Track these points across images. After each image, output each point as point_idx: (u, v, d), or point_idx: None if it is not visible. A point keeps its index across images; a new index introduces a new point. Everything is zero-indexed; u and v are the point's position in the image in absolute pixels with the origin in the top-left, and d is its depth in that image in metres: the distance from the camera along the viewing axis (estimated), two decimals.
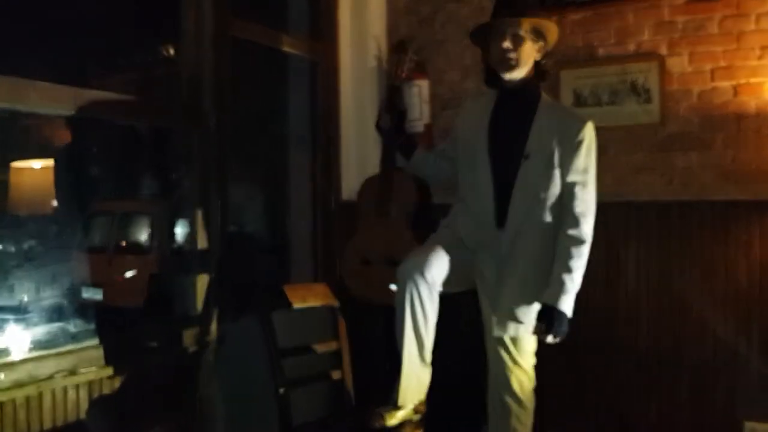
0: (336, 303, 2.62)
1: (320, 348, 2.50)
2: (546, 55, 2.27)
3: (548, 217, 2.23)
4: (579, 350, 3.13)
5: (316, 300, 2.53)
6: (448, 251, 2.27)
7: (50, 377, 2.11)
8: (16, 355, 2.14)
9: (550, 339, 2.20)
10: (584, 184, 2.22)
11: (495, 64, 2.24)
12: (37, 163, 3.05)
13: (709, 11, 2.92)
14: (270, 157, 3.80)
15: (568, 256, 2.19)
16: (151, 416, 2.35)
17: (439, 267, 2.23)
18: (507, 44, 2.17)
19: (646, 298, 3.04)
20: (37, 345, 2.33)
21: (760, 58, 2.85)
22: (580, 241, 2.21)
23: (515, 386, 2.35)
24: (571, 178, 2.21)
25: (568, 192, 2.22)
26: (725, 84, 2.91)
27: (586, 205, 2.23)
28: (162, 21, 3.01)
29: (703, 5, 2.93)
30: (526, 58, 2.21)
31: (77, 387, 2.18)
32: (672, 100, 3.00)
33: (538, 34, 2.23)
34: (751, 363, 2.83)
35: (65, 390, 2.14)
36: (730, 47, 2.90)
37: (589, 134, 2.23)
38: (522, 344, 2.34)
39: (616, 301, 3.09)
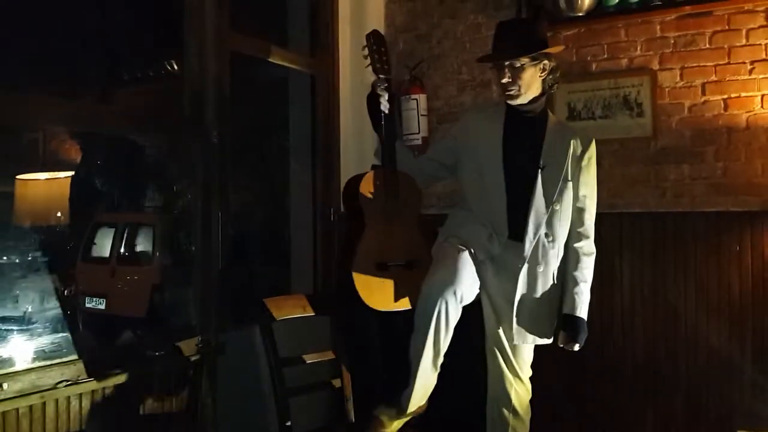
0: (312, 313, 2.58)
1: (319, 357, 2.53)
2: (552, 70, 2.33)
3: (562, 228, 2.32)
4: (574, 360, 3.17)
5: (295, 311, 2.52)
6: (470, 266, 2.29)
7: (54, 387, 2.15)
8: (20, 365, 2.17)
9: (576, 347, 2.33)
10: (592, 198, 2.37)
11: (500, 92, 2.36)
12: (42, 175, 3.10)
13: (700, 27, 2.98)
14: (270, 169, 3.85)
15: (583, 266, 2.33)
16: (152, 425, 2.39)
17: (467, 283, 2.25)
18: (506, 79, 2.26)
19: (640, 308, 3.08)
20: (41, 355, 2.36)
21: (750, 72, 2.91)
22: (591, 252, 2.37)
23: (514, 399, 2.41)
24: (582, 191, 2.34)
25: (578, 205, 2.35)
26: (716, 98, 2.96)
27: (593, 217, 2.38)
28: (164, 36, 3.07)
29: (693, 21, 2.99)
30: (528, 84, 2.28)
31: (80, 396, 2.21)
32: (664, 113, 3.05)
33: (539, 56, 2.28)
34: (745, 372, 2.86)
35: (68, 399, 2.18)
36: (720, 62, 2.96)
37: (594, 151, 2.38)
38: (524, 355, 2.41)
39: (611, 311, 3.13)
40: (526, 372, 2.45)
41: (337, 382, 2.52)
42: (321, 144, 3.50)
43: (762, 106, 2.89)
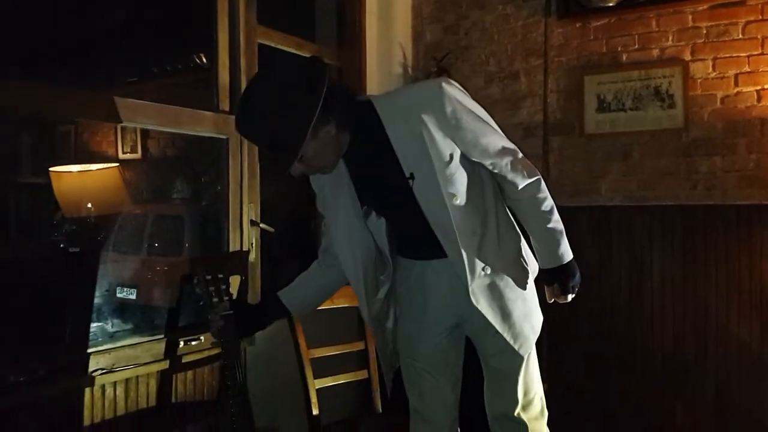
0: (341, 304, 2.56)
1: (347, 347, 2.55)
2: (341, 123, 1.69)
3: (479, 210, 1.81)
4: (603, 354, 3.16)
5: None
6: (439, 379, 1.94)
7: (89, 375, 2.20)
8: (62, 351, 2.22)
9: (570, 297, 1.88)
10: (487, 135, 1.76)
11: None
12: (74, 168, 3.16)
13: (733, 16, 2.94)
14: None
15: (535, 211, 1.84)
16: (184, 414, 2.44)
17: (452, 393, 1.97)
18: (301, 173, 1.73)
19: (670, 301, 3.06)
20: None
21: None
22: (535, 190, 1.83)
23: None
24: (473, 148, 1.75)
25: (485, 161, 1.78)
26: (749, 89, 2.92)
27: (508, 152, 1.79)
28: (194, 30, 3.09)
29: (726, 11, 2.95)
30: (329, 150, 1.71)
31: (114, 385, 2.26)
32: (696, 105, 3.01)
33: (319, 121, 1.61)
34: None
35: (103, 387, 2.23)
36: (754, 52, 2.91)
37: (448, 95, 1.69)
38: (533, 370, 1.95)
39: (640, 305, 3.12)
40: (537, 390, 1.97)
41: (364, 373, 2.54)
42: None
43: None
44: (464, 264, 1.75)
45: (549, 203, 1.85)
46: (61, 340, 2.42)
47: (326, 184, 1.88)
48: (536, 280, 1.92)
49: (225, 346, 2.06)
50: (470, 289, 1.77)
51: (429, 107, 1.70)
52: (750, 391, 2.88)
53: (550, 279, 1.88)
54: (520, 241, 1.91)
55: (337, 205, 1.86)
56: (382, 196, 1.83)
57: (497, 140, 1.79)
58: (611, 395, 3.16)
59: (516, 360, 1.89)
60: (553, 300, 1.91)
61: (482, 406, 2.00)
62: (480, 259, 1.79)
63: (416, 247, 1.87)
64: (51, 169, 2.98)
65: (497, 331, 1.83)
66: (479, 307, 1.79)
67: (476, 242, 1.79)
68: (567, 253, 1.86)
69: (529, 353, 1.92)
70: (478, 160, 1.78)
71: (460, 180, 1.75)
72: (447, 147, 1.72)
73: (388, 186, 1.78)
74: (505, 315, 1.83)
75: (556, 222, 1.85)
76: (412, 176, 1.72)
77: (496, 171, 1.81)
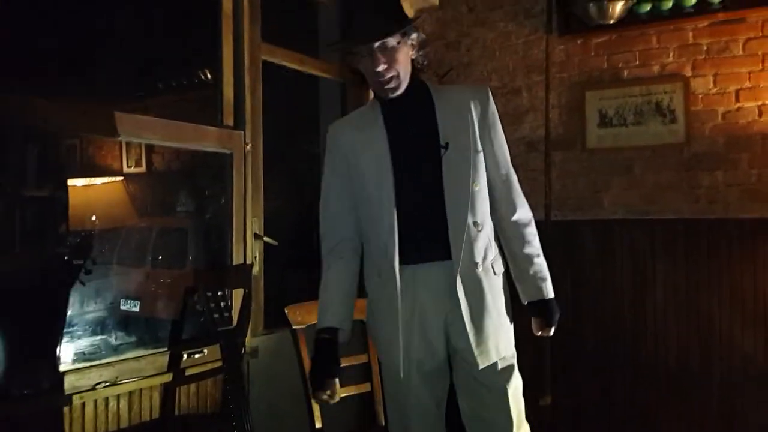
0: None
1: (351, 360, 2.55)
2: (421, 44, 1.82)
3: (486, 209, 1.84)
4: (607, 367, 3.16)
5: (312, 319, 2.50)
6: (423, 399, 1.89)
7: (92, 388, 2.20)
8: (61, 367, 2.22)
9: (552, 331, 1.90)
10: (508, 159, 1.89)
11: (372, 85, 1.81)
12: (79, 181, 3.18)
13: (734, 33, 2.97)
14: (302, 175, 3.90)
15: (530, 239, 1.88)
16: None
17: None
18: (381, 66, 1.73)
19: (674, 314, 3.06)
20: (80, 357, 2.42)
21: None
22: (530, 219, 1.90)
23: None
24: (499, 154, 1.86)
25: (501, 171, 1.87)
26: (750, 104, 2.94)
27: (516, 179, 1.91)
28: (199, 46, 3.13)
29: (727, 27, 2.98)
30: (405, 69, 1.77)
31: (118, 397, 2.27)
32: (697, 120, 3.03)
33: (408, 29, 1.77)
34: None
35: (107, 400, 2.23)
36: (755, 68, 2.94)
37: (493, 100, 1.88)
38: (519, 386, 1.89)
39: (644, 317, 3.12)
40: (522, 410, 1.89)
41: (367, 386, 2.54)
42: None
43: None
44: (461, 248, 1.76)
45: (537, 238, 1.91)
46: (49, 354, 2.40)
47: (351, 154, 1.85)
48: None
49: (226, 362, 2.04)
50: (457, 277, 1.76)
51: (477, 98, 1.85)
52: (756, 403, 2.88)
53: (540, 312, 1.89)
54: (503, 267, 1.91)
55: (369, 165, 1.82)
56: (411, 164, 1.81)
57: (509, 159, 1.90)
58: (617, 408, 3.15)
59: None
60: (539, 333, 1.92)
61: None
62: (476, 252, 1.79)
63: (417, 243, 1.81)
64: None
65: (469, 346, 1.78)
66: (458, 295, 1.76)
67: (476, 234, 1.80)
68: (551, 289, 1.89)
69: (508, 385, 1.85)
70: (491, 168, 1.85)
71: (481, 171, 1.82)
72: (480, 140, 1.82)
73: (420, 153, 1.80)
74: (478, 315, 1.79)
75: (543, 258, 1.89)
76: (446, 146, 1.78)
77: (499, 186, 1.87)
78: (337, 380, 1.79)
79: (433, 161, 1.78)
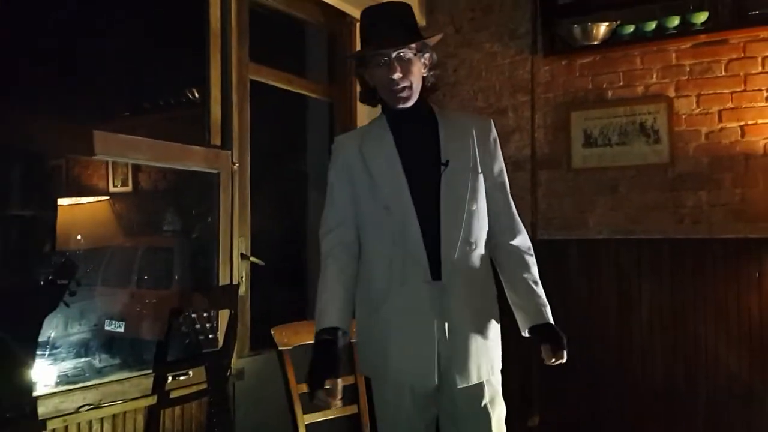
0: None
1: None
2: (433, 65, 1.89)
3: (482, 232, 1.85)
4: (594, 386, 3.16)
5: (299, 340, 2.49)
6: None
7: (76, 411, 2.17)
8: (43, 390, 2.19)
9: (564, 356, 1.77)
10: (507, 186, 1.93)
11: (384, 94, 1.84)
12: (65, 201, 3.16)
13: (716, 54, 3.01)
14: (289, 195, 3.90)
15: (530, 266, 1.87)
16: None
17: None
18: (397, 74, 1.77)
19: (659, 333, 3.07)
20: (64, 379, 2.39)
21: (767, 99, 2.93)
22: (530, 247, 1.90)
23: None
24: (500, 179, 1.90)
25: (501, 194, 1.90)
26: (733, 125, 2.98)
27: (515, 208, 1.93)
28: (187, 66, 3.13)
29: (709, 49, 3.02)
30: (418, 82, 1.83)
31: (102, 421, 2.24)
32: (681, 140, 3.07)
33: (424, 46, 1.85)
34: (766, 399, 2.84)
35: (90, 424, 2.20)
36: (737, 89, 2.98)
37: (495, 131, 1.93)
38: (502, 414, 1.87)
39: (630, 336, 3.13)
40: None
41: (354, 408, 2.52)
42: None
43: None
44: (450, 265, 1.77)
45: (536, 266, 1.88)
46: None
47: (357, 163, 1.87)
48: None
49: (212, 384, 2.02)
50: (445, 295, 1.76)
51: (480, 125, 1.91)
52: (741, 421, 2.88)
53: (547, 337, 1.79)
54: (495, 290, 1.88)
55: (381, 172, 1.84)
56: (411, 178, 1.82)
57: (508, 187, 1.93)
58: (604, 427, 3.15)
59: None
60: (552, 360, 1.78)
61: None
62: (467, 270, 1.80)
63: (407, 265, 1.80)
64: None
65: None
66: (445, 313, 1.76)
67: (469, 253, 1.80)
68: (551, 317, 1.83)
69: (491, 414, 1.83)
70: (490, 193, 1.87)
71: (480, 193, 1.85)
72: (480, 164, 1.85)
73: (422, 168, 1.83)
74: (462, 334, 1.78)
75: (540, 284, 1.86)
76: (446, 164, 1.81)
77: (499, 212, 1.88)
78: (339, 381, 1.73)
79: (432, 178, 1.81)
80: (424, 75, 1.85)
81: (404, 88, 1.80)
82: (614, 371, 3.14)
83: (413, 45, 1.80)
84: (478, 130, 1.88)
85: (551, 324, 1.82)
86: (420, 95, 1.85)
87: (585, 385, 3.19)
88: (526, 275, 1.86)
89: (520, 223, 1.92)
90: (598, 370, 3.18)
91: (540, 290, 1.86)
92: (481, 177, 1.84)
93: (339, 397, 1.73)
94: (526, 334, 1.85)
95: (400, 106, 1.82)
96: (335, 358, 1.77)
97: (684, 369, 3.01)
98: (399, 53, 1.78)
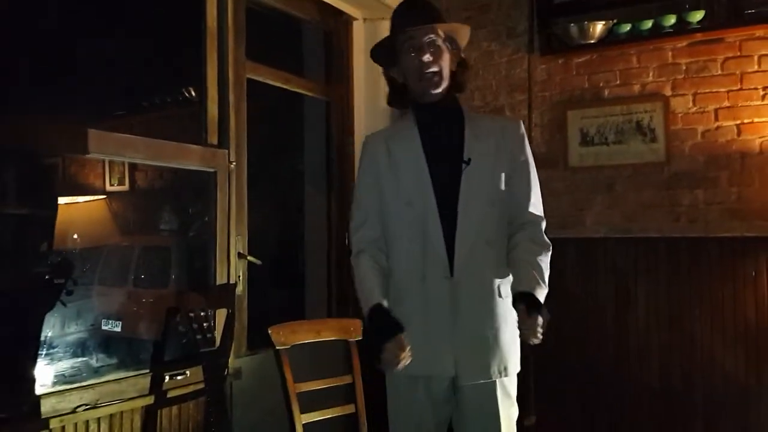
0: (327, 338, 2.52)
1: (334, 382, 2.54)
2: (461, 63, 1.92)
3: (502, 230, 1.87)
4: (590, 385, 3.17)
5: (308, 336, 2.49)
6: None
7: (73, 411, 2.17)
8: (40, 390, 2.19)
9: (540, 332, 1.67)
10: (535, 176, 1.92)
11: (415, 82, 1.85)
12: (62, 200, 3.15)
13: (712, 53, 3.02)
14: (286, 194, 3.90)
15: (540, 255, 1.82)
16: None
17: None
18: (427, 57, 1.81)
19: (656, 333, 3.08)
20: (61, 379, 2.38)
21: (763, 98, 2.93)
22: (547, 247, 1.87)
23: None
24: (521, 177, 1.88)
25: (516, 194, 1.88)
26: (729, 123, 2.98)
27: (541, 206, 1.92)
28: (183, 65, 3.13)
29: (705, 47, 3.03)
30: (447, 71, 1.86)
31: (99, 421, 2.23)
32: (677, 139, 3.07)
33: (452, 41, 1.88)
34: (763, 398, 2.85)
35: (87, 424, 2.20)
36: (733, 88, 2.98)
37: (524, 131, 1.95)
38: (513, 415, 1.88)
39: (626, 335, 3.13)
40: None
41: (351, 408, 2.52)
42: (336, 168, 3.54)
43: None
44: (465, 262, 1.78)
45: (548, 264, 1.84)
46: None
47: (385, 160, 1.90)
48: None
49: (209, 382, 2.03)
50: (460, 293, 1.78)
51: (508, 126, 1.94)
52: (737, 421, 2.89)
53: (524, 301, 1.72)
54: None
55: (407, 169, 1.87)
56: (435, 175, 1.84)
57: (539, 192, 1.92)
58: (600, 426, 3.15)
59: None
60: (524, 328, 1.69)
61: None
62: (482, 269, 1.81)
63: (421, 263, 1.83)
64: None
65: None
66: (459, 310, 1.78)
67: (485, 252, 1.82)
68: (543, 298, 1.76)
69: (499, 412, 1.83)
70: (520, 180, 1.87)
71: (500, 192, 1.85)
72: (506, 167, 1.86)
73: (445, 165, 1.85)
74: (473, 332, 1.80)
75: (547, 279, 1.81)
76: (468, 161, 1.83)
77: (523, 214, 1.87)
78: (402, 336, 1.73)
79: (455, 175, 1.83)
80: (453, 70, 1.88)
81: (435, 73, 1.82)
82: (610, 371, 3.14)
83: (442, 34, 1.83)
84: (506, 131, 1.91)
85: (533, 295, 1.73)
86: (449, 91, 1.88)
87: (581, 384, 3.19)
88: (532, 258, 1.81)
89: (539, 215, 1.90)
90: (595, 369, 3.18)
91: (543, 264, 1.81)
92: (502, 177, 1.85)
93: (407, 347, 1.72)
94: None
95: (432, 91, 1.84)
96: (392, 319, 1.78)
97: (680, 368, 3.02)
98: (429, 37, 1.82)
